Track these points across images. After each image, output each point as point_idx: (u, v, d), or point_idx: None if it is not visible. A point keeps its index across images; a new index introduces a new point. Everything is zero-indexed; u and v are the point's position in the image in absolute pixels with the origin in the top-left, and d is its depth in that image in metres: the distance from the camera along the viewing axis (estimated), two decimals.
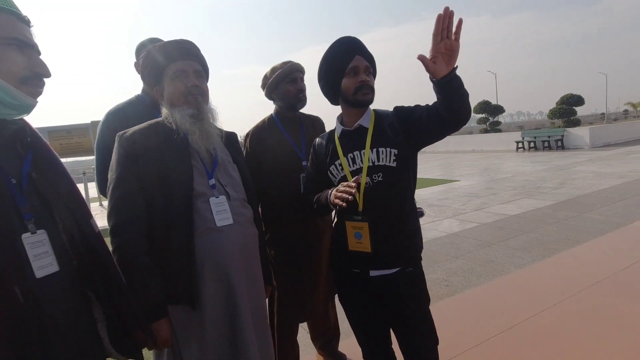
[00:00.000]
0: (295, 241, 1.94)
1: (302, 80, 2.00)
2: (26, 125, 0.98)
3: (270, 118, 2.05)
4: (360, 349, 1.64)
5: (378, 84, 1.57)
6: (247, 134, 2.06)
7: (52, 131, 8.27)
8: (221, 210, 1.35)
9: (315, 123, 2.14)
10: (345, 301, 1.59)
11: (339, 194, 1.32)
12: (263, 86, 2.04)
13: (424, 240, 1.54)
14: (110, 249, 1.16)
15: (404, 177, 1.45)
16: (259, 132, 2.00)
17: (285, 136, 1.98)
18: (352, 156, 1.47)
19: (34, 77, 0.90)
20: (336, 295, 1.79)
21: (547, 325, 2.61)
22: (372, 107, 1.51)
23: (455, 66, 1.20)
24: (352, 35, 1.52)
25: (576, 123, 23.09)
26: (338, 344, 2.41)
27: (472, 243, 4.67)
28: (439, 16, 1.14)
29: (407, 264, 1.46)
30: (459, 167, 13.53)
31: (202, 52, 1.46)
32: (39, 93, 0.93)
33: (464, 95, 1.23)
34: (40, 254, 0.90)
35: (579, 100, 23.29)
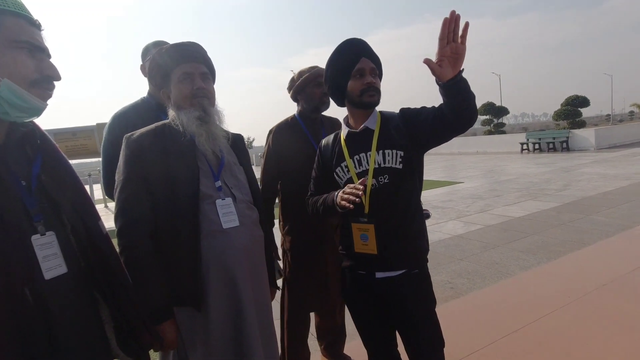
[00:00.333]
0: (311, 234, 2.04)
1: None
2: (36, 127, 0.99)
3: (293, 118, 2.18)
4: (365, 351, 1.63)
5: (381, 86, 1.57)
6: (270, 131, 2.18)
7: (58, 133, 8.33)
8: (227, 212, 1.35)
9: (335, 124, 2.25)
10: (351, 303, 1.59)
11: (346, 195, 1.32)
12: (290, 88, 2.16)
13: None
14: (117, 250, 1.16)
15: (410, 179, 1.45)
16: (282, 130, 2.14)
17: (307, 135, 2.10)
18: (358, 158, 1.47)
19: (44, 80, 0.91)
20: None
21: (553, 328, 2.59)
22: (377, 108, 1.51)
23: (461, 69, 1.20)
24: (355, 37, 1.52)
25: (581, 124, 22.96)
26: (343, 347, 2.41)
27: (476, 245, 4.66)
28: (445, 20, 1.14)
29: (413, 265, 1.46)
30: (462, 169, 13.49)
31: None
32: (49, 96, 0.93)
33: (470, 97, 1.23)
34: (49, 256, 0.90)
35: (584, 102, 23.16)
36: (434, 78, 1.25)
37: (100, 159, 1.92)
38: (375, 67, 1.46)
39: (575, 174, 9.73)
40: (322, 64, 2.06)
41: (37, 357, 0.83)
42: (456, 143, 20.69)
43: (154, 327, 1.19)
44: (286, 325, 2.14)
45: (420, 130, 1.40)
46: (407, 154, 1.42)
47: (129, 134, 1.37)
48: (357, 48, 1.45)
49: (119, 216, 1.29)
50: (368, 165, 1.44)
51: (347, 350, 2.41)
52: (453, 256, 4.32)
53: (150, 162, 1.31)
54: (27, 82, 0.88)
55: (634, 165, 10.21)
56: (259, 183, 2.16)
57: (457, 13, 1.13)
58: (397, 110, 1.52)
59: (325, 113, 2.18)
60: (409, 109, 1.48)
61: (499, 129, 26.66)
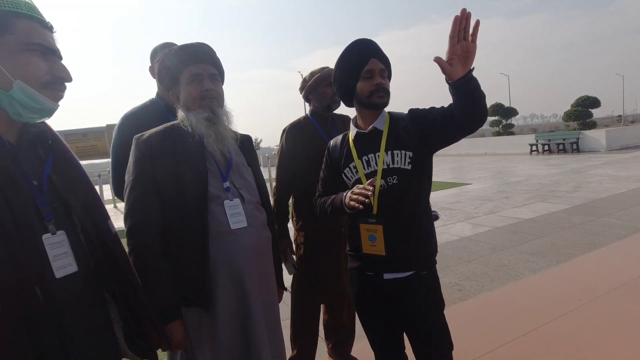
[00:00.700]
0: (325, 230, 2.09)
1: None
2: (47, 128, 1.00)
3: (306, 117, 2.25)
4: (372, 353, 1.62)
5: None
6: (284, 130, 2.25)
7: (69, 134, 8.43)
8: (235, 213, 1.35)
9: (346, 121, 2.29)
10: (359, 304, 1.58)
11: (355, 196, 1.31)
12: (302, 88, 2.23)
13: None
14: (127, 250, 1.17)
15: (418, 180, 1.44)
16: (295, 129, 2.21)
17: (320, 132, 2.17)
18: (366, 159, 1.47)
19: (56, 81, 0.92)
20: None
21: (563, 332, 2.55)
22: (386, 109, 1.51)
23: (472, 68, 1.19)
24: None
25: (592, 125, 22.65)
26: (351, 348, 2.40)
27: (484, 247, 4.61)
28: (456, 17, 1.13)
29: (421, 267, 1.44)
30: (471, 170, 13.39)
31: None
32: (61, 97, 0.95)
33: (481, 97, 1.22)
34: (60, 255, 0.91)
35: (594, 102, 22.84)
36: (440, 79, 1.24)
37: (109, 160, 1.94)
38: (385, 67, 1.45)
39: (585, 175, 9.60)
40: (329, 65, 2.08)
41: (47, 354, 0.83)
42: (464, 144, 20.56)
43: (162, 327, 1.19)
44: (295, 315, 2.22)
45: (429, 131, 1.39)
46: (416, 155, 1.41)
47: (138, 135, 1.38)
48: (366, 48, 1.45)
49: (128, 216, 1.30)
50: (377, 166, 1.44)
51: (355, 352, 2.40)
52: (461, 258, 4.28)
53: (159, 163, 1.32)
54: (39, 84, 0.89)
55: None
56: (274, 182, 2.19)
57: (468, 11, 1.12)
58: (404, 112, 1.52)
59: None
60: (417, 109, 1.47)
61: (507, 130, 26.43)
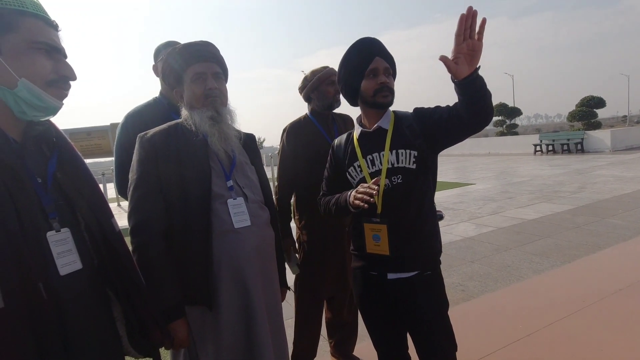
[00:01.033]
0: (326, 228, 2.10)
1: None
2: (52, 126, 1.00)
3: (306, 116, 2.24)
4: (375, 353, 1.62)
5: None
6: (284, 130, 2.25)
7: (73, 133, 8.48)
8: (239, 212, 1.35)
9: (346, 120, 2.32)
10: (362, 303, 1.57)
11: (360, 195, 1.31)
12: (302, 88, 2.22)
13: None
14: (130, 248, 1.17)
15: (423, 180, 1.43)
16: (296, 128, 2.21)
17: (321, 131, 2.17)
18: (371, 158, 1.46)
19: (60, 80, 0.92)
20: None
21: (567, 333, 2.54)
22: (391, 108, 1.50)
23: (477, 66, 1.18)
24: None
25: (597, 126, 22.53)
26: (354, 347, 2.40)
27: (488, 247, 4.59)
28: (462, 16, 1.12)
29: (426, 267, 1.44)
30: (474, 170, 13.35)
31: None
32: (65, 95, 0.95)
33: (487, 96, 1.21)
34: (64, 252, 0.91)
35: (599, 103, 22.73)
36: (445, 79, 1.23)
37: (113, 159, 1.94)
38: (389, 66, 1.45)
39: (590, 176, 9.55)
40: (333, 65, 2.08)
41: (50, 352, 0.83)
42: (468, 144, 20.50)
43: (166, 325, 1.19)
44: (298, 314, 2.22)
45: (434, 130, 1.38)
46: (420, 154, 1.41)
47: (142, 134, 1.38)
48: (371, 47, 1.44)
49: (132, 215, 1.30)
50: (381, 165, 1.43)
51: (357, 351, 2.39)
52: (464, 258, 4.27)
53: (163, 162, 1.32)
54: (44, 82, 0.89)
55: None
56: (276, 181, 2.19)
57: (474, 9, 1.11)
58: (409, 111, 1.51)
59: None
60: (422, 108, 1.46)
61: (511, 130, 26.32)
